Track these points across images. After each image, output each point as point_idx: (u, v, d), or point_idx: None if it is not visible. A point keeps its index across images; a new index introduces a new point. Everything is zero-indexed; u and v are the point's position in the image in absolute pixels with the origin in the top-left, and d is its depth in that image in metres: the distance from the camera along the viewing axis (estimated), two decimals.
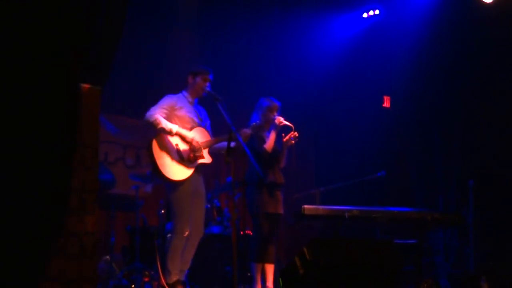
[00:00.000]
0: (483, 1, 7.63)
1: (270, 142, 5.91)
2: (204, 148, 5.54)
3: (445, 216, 6.15)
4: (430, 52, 8.36)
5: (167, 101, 5.45)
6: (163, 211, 6.69)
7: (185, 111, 5.50)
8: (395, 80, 8.75)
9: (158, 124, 5.30)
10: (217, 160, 8.10)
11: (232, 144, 4.97)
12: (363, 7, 9.00)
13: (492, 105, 7.87)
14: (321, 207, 5.97)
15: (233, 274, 4.94)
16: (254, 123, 5.74)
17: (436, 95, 8.56)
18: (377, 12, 8.91)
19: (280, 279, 4.51)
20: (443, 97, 8.49)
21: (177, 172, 5.35)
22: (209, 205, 6.90)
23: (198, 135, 5.56)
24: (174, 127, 5.35)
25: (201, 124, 5.64)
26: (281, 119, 5.94)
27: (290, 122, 5.94)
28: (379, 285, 4.34)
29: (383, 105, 9.09)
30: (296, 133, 5.90)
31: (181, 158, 5.38)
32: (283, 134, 5.96)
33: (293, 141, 5.93)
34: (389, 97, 9.13)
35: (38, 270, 1.44)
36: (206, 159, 5.58)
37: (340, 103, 9.18)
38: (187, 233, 5.36)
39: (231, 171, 5.11)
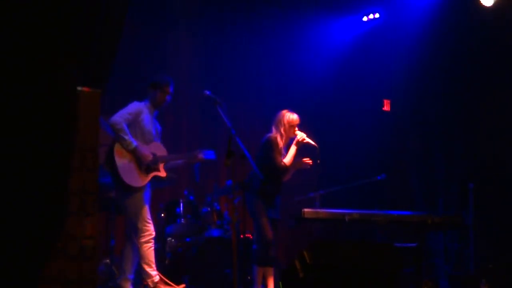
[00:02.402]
0: (483, 5, 7.63)
1: (291, 158, 5.90)
2: (160, 163, 5.58)
3: (445, 219, 6.14)
4: (430, 55, 8.36)
5: (135, 109, 5.47)
6: (162, 215, 6.68)
7: (146, 123, 5.54)
8: (395, 83, 8.75)
9: (122, 134, 5.31)
10: (216, 162, 8.12)
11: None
12: (363, 10, 9.01)
13: (492, 107, 7.87)
14: (321, 210, 5.97)
15: (233, 277, 4.94)
16: (204, 152, 5.77)
17: (436, 98, 8.56)
18: (377, 15, 8.91)
19: (280, 282, 4.50)
20: (443, 100, 8.49)
21: (136, 178, 5.39)
22: (208, 208, 6.90)
23: (156, 149, 5.61)
24: (134, 143, 5.35)
25: (156, 139, 5.67)
26: (304, 136, 5.91)
27: (313, 141, 5.91)
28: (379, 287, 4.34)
29: (383, 108, 9.08)
30: (311, 161, 5.93)
31: (140, 166, 5.41)
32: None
33: (307, 166, 5.93)
34: (389, 101, 9.12)
35: (38, 271, 1.44)
36: (161, 172, 5.63)
37: (340, 106, 9.17)
38: (154, 233, 5.41)
39: (231, 174, 5.12)
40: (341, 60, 9.10)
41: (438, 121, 8.54)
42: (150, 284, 5.34)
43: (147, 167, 5.45)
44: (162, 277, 5.55)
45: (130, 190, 5.36)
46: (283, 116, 5.96)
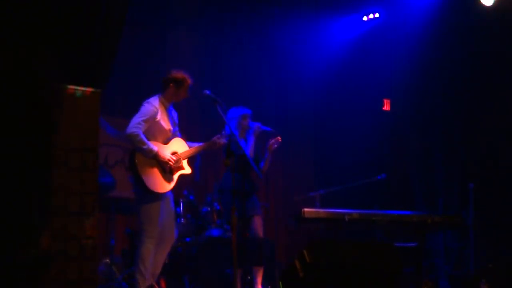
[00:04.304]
0: (483, 4, 7.63)
1: (251, 148, 6.03)
2: (183, 159, 5.57)
3: (445, 218, 6.15)
4: (430, 55, 8.36)
5: (149, 112, 5.38)
6: None
7: (163, 122, 5.48)
8: (395, 83, 8.75)
9: (142, 144, 5.27)
10: (216, 163, 8.12)
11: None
12: (363, 10, 9.01)
13: (492, 108, 7.87)
14: (321, 210, 5.98)
15: (233, 277, 4.95)
16: (224, 133, 5.79)
17: (436, 98, 8.56)
18: (377, 15, 8.92)
19: (280, 282, 4.50)
20: (443, 100, 8.50)
21: (160, 184, 5.37)
22: (208, 208, 6.90)
23: (177, 146, 5.58)
24: (155, 149, 5.33)
25: (174, 131, 5.65)
26: (259, 125, 6.06)
27: (269, 127, 6.07)
28: (379, 287, 4.34)
29: (383, 108, 9.09)
30: (279, 137, 6.00)
31: (163, 170, 5.40)
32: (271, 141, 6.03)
33: (275, 146, 6.01)
34: (389, 100, 9.13)
35: (38, 271, 1.43)
36: (186, 170, 5.61)
37: (340, 106, 9.18)
38: (157, 235, 5.38)
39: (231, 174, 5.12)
40: (341, 59, 9.10)
41: (438, 121, 8.55)
42: (141, 285, 5.31)
43: (170, 169, 5.45)
44: (155, 285, 5.52)
45: (153, 196, 5.35)
46: (234, 112, 6.11)
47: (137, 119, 5.34)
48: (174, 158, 5.45)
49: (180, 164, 5.54)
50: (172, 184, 5.47)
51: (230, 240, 6.25)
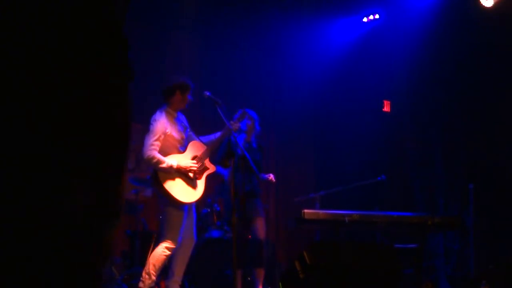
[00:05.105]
0: (483, 6, 7.63)
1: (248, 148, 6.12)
2: (205, 159, 5.56)
3: (446, 219, 6.15)
4: (430, 56, 8.36)
5: (159, 130, 5.36)
6: (162, 216, 6.67)
7: (174, 133, 5.48)
8: (395, 84, 8.76)
9: (160, 164, 5.26)
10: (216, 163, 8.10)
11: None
12: (363, 11, 9.01)
13: (493, 108, 7.87)
14: (321, 211, 5.98)
15: (233, 278, 4.94)
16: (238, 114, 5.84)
17: (436, 99, 8.56)
18: (377, 16, 8.92)
19: (280, 283, 4.50)
20: (443, 101, 8.50)
21: (189, 195, 5.37)
22: (208, 209, 6.90)
23: (195, 150, 5.57)
24: (174, 164, 5.32)
25: (187, 136, 5.64)
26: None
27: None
28: None
29: (383, 109, 9.09)
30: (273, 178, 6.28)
31: (189, 179, 5.39)
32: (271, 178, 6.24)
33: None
34: (389, 102, 9.13)
35: (39, 271, 1.41)
36: (211, 168, 5.61)
37: (340, 107, 9.18)
38: (177, 243, 5.37)
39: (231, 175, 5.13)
40: (341, 61, 9.11)
41: (438, 122, 8.54)
42: (146, 285, 5.29)
43: (195, 174, 5.44)
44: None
45: (179, 205, 5.35)
46: (239, 112, 6.21)
47: (149, 140, 5.32)
48: (195, 163, 5.44)
49: (204, 166, 5.54)
50: (199, 191, 5.47)
51: (230, 241, 6.26)
